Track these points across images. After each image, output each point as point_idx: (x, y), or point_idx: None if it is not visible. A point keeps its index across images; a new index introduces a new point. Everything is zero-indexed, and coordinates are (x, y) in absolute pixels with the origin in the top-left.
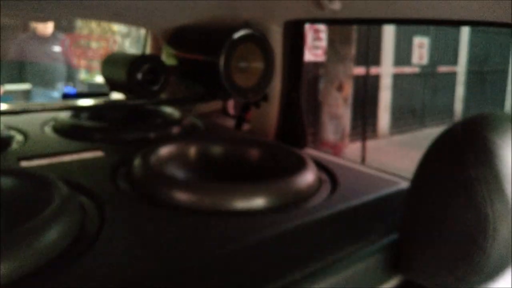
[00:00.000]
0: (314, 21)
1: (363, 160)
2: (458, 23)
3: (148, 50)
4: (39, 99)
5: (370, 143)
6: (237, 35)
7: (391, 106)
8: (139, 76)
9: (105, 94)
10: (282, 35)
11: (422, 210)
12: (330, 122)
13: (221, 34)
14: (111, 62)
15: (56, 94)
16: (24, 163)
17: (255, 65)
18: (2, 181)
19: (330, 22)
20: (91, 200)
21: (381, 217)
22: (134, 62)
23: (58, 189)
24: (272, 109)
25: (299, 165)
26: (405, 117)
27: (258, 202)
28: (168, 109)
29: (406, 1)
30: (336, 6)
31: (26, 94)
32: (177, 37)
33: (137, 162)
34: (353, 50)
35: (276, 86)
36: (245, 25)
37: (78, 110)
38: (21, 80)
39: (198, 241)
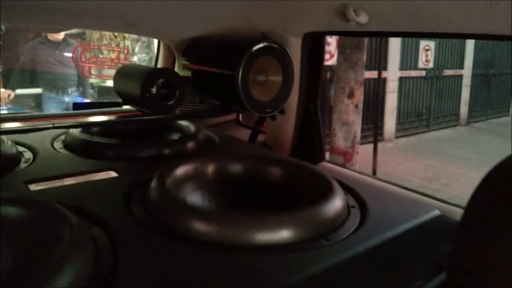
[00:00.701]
0: (335, 33)
1: (374, 172)
2: (459, 36)
3: (160, 61)
4: (50, 104)
5: (379, 146)
6: (255, 47)
7: (397, 109)
8: (154, 90)
9: (117, 104)
10: (300, 47)
11: (479, 249)
12: (341, 129)
13: (238, 46)
14: (123, 75)
15: (67, 99)
16: (33, 187)
17: (274, 79)
18: (7, 211)
19: (352, 34)
20: (104, 232)
21: (421, 252)
22: (148, 76)
23: (70, 225)
24: (289, 122)
25: (327, 191)
26: (411, 120)
27: (285, 235)
28: (183, 123)
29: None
30: (363, 19)
31: (37, 99)
32: (192, 49)
33: (153, 186)
34: (364, 57)
35: (293, 98)
36: (263, 37)
37: (90, 126)
38: (32, 85)
39: (224, 283)
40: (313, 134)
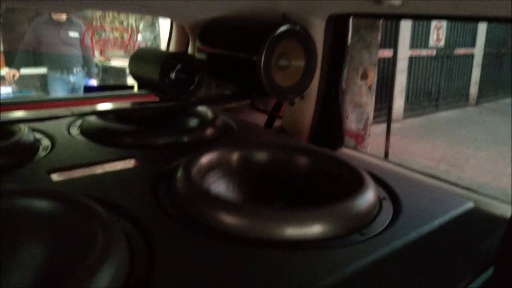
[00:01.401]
0: (362, 15)
1: (386, 155)
2: (461, 19)
3: (172, 44)
4: (55, 84)
5: (382, 127)
6: (279, 30)
7: (406, 89)
8: (172, 75)
9: (128, 88)
10: (324, 29)
11: None
12: (353, 110)
13: (260, 28)
14: (140, 59)
15: (72, 79)
16: (55, 177)
17: (296, 63)
18: (37, 205)
19: (381, 17)
20: (135, 228)
21: (461, 247)
22: (167, 61)
23: (102, 221)
24: (308, 107)
25: (359, 183)
26: (420, 100)
27: (319, 230)
28: (200, 108)
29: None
30: (397, 1)
31: (43, 79)
32: (208, 31)
33: (179, 178)
34: (379, 37)
35: (314, 82)
36: (284, 18)
37: (109, 113)
38: (37, 64)
39: (261, 281)
40: (333, 119)
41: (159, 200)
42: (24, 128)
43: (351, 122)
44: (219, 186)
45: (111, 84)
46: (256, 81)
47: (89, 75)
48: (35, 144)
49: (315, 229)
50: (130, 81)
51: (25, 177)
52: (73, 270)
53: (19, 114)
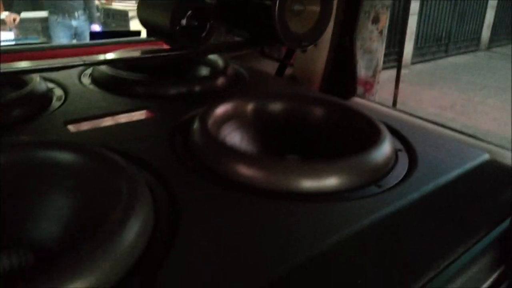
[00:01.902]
0: None
1: (394, 103)
2: None
3: None
4: (57, 28)
5: (389, 73)
6: None
7: (415, 33)
8: (184, 22)
9: (135, 33)
10: None
11: None
12: (362, 57)
13: None
14: (149, 5)
15: (74, 23)
16: (72, 128)
17: (311, 8)
18: (59, 156)
19: None
20: (156, 179)
21: (478, 199)
22: (178, 7)
23: (126, 174)
24: (321, 54)
25: (375, 134)
26: (429, 45)
27: (336, 182)
28: (211, 57)
29: None
30: None
31: (44, 23)
32: None
33: (196, 130)
34: None
35: (328, 29)
36: None
37: (122, 62)
38: (36, 8)
39: (284, 232)
40: (346, 68)
41: (176, 152)
42: (36, 77)
43: (360, 69)
44: (234, 137)
45: (114, 28)
46: (270, 27)
47: (91, 19)
48: (48, 94)
49: (332, 181)
50: (133, 25)
51: (42, 128)
52: (100, 223)
53: (30, 63)
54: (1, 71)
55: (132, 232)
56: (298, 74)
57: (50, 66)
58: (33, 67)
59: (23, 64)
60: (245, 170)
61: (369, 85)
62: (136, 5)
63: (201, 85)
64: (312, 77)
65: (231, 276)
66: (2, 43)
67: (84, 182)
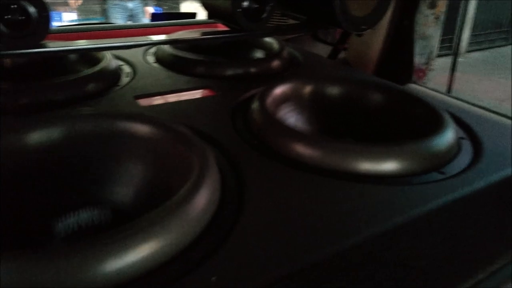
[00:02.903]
0: None
1: (449, 91)
2: None
3: None
4: (115, 10)
5: (441, 61)
6: None
7: (473, 19)
8: (245, 4)
9: (191, 15)
10: None
11: None
12: (416, 42)
13: None
14: None
15: (131, 5)
16: (141, 102)
17: None
18: (134, 128)
19: None
20: (222, 155)
21: None
22: None
23: (198, 148)
24: (377, 38)
25: (438, 120)
26: (487, 32)
27: (398, 166)
28: (267, 39)
29: None
30: None
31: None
32: None
33: (255, 109)
34: None
35: (387, 12)
36: None
37: (188, 43)
38: None
39: (344, 210)
40: (403, 53)
41: (237, 129)
42: (108, 55)
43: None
44: (290, 118)
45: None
46: (330, 10)
47: (146, 1)
48: (118, 71)
49: (393, 165)
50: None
51: (115, 102)
52: (172, 191)
53: (104, 41)
54: (78, 47)
55: (202, 201)
56: (351, 58)
57: (123, 44)
58: (107, 45)
59: (97, 42)
60: (305, 149)
61: (421, 73)
62: None
63: (258, 66)
64: (366, 61)
65: (293, 249)
66: (70, 23)
67: (158, 152)
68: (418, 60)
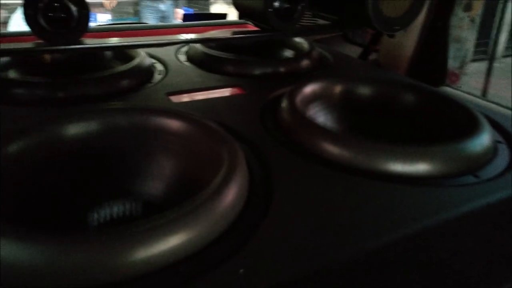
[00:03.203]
0: None
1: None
2: None
3: None
4: (147, 11)
5: (475, 66)
6: None
7: (510, 22)
8: (276, 4)
9: (221, 16)
10: None
11: None
12: (450, 45)
13: None
14: None
15: (163, 7)
16: (173, 98)
17: None
18: (166, 122)
19: None
20: (250, 151)
21: None
22: None
23: (228, 144)
24: (410, 40)
25: (473, 123)
26: None
27: (431, 168)
28: (297, 39)
29: None
30: None
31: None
32: None
33: (285, 107)
34: None
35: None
36: None
37: (219, 42)
38: None
39: (373, 209)
40: (437, 55)
41: (266, 126)
42: (142, 53)
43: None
44: (319, 117)
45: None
46: (362, 10)
47: (176, 3)
48: (151, 68)
49: (426, 166)
50: (213, 9)
51: (149, 98)
52: (202, 185)
53: (139, 39)
54: (114, 44)
55: (230, 195)
56: (382, 59)
57: (157, 42)
58: (141, 42)
59: (132, 40)
60: (336, 148)
61: (454, 77)
62: None
63: (288, 66)
64: (398, 63)
65: (320, 246)
66: (105, 23)
67: (189, 147)
68: (451, 63)
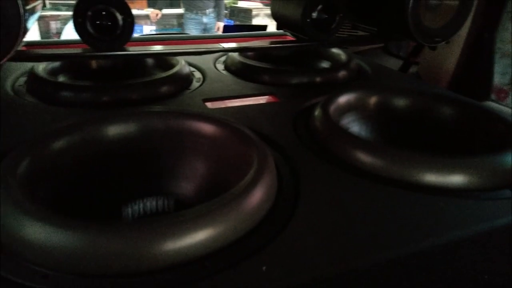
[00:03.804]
0: None
1: None
2: None
3: None
4: (190, 23)
5: None
6: None
7: None
8: (314, 15)
9: (262, 27)
10: None
11: None
12: (498, 61)
13: None
14: None
15: (205, 19)
16: (209, 105)
17: (450, 2)
18: (202, 126)
19: None
20: (281, 156)
21: None
22: (311, 0)
23: (258, 148)
24: (453, 52)
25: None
26: None
27: (468, 180)
28: (334, 50)
29: None
30: None
31: (179, 18)
32: None
33: (318, 116)
34: None
35: (465, 25)
36: None
37: (256, 51)
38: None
39: (405, 219)
40: (481, 69)
41: (298, 134)
42: (182, 61)
43: (494, 75)
44: (353, 128)
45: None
46: (401, 21)
47: (219, 16)
48: (190, 76)
49: (461, 178)
50: (255, 22)
51: (186, 103)
52: (231, 185)
53: (180, 47)
54: (156, 52)
55: (257, 196)
56: (423, 72)
57: (196, 50)
58: (180, 50)
59: (172, 48)
60: (369, 157)
61: (503, 93)
62: (259, 4)
63: (323, 76)
64: (440, 76)
65: (344, 251)
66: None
67: (221, 150)
68: (500, 79)
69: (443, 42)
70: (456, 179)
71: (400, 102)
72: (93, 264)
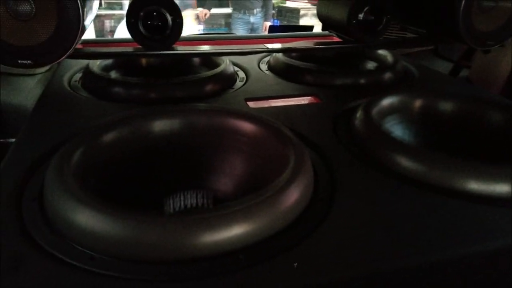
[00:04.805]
0: None
1: None
2: None
3: None
4: (237, 23)
5: None
6: None
7: None
8: (361, 16)
9: (308, 28)
10: None
11: None
12: None
13: None
14: (329, 0)
15: (252, 19)
16: (251, 104)
17: (505, 4)
18: (242, 124)
19: None
20: (319, 156)
21: None
22: (357, 1)
23: (296, 147)
24: (506, 56)
25: None
26: None
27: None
28: (381, 52)
29: None
30: None
31: (226, 18)
32: None
33: (359, 118)
34: None
35: None
36: None
37: (300, 51)
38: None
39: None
40: None
41: (338, 135)
42: (227, 61)
43: None
44: (396, 131)
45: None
46: (452, 24)
47: (266, 16)
48: (234, 76)
49: (507, 187)
50: (303, 22)
51: (228, 102)
52: (268, 182)
53: (225, 47)
54: (202, 51)
55: (292, 195)
56: (474, 76)
57: (241, 50)
58: (226, 50)
59: (218, 48)
60: (405, 161)
61: None
62: (307, 4)
63: (368, 77)
64: (492, 81)
65: (377, 253)
66: (200, 32)
67: (260, 148)
68: None
69: (497, 46)
70: (501, 187)
71: (445, 106)
72: (136, 250)
